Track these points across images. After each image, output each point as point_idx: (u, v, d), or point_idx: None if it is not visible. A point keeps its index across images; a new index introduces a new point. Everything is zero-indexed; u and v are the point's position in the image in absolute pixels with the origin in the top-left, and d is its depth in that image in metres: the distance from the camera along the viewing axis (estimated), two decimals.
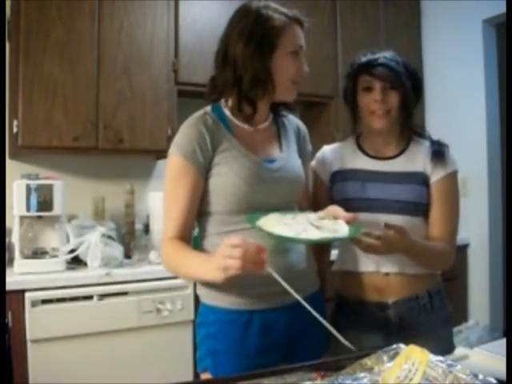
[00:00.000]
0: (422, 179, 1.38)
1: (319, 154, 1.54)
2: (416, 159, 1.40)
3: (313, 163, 1.51)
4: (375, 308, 1.37)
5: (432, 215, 1.38)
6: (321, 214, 1.20)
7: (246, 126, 1.27)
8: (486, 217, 3.02)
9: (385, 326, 1.36)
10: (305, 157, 1.40)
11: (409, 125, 1.42)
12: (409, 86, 1.37)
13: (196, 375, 1.80)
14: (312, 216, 1.19)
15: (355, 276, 1.40)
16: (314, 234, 1.10)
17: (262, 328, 1.22)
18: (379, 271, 1.37)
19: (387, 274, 1.37)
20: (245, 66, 1.19)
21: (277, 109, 1.34)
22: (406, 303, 1.36)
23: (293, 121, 1.40)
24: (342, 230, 1.13)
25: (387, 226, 1.25)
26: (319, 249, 1.51)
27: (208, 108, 1.28)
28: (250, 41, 1.18)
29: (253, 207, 1.21)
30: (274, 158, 1.28)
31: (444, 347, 1.16)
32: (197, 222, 1.32)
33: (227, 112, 1.27)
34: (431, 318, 1.37)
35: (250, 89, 1.20)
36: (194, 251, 1.22)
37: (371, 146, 1.46)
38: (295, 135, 1.38)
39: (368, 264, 1.37)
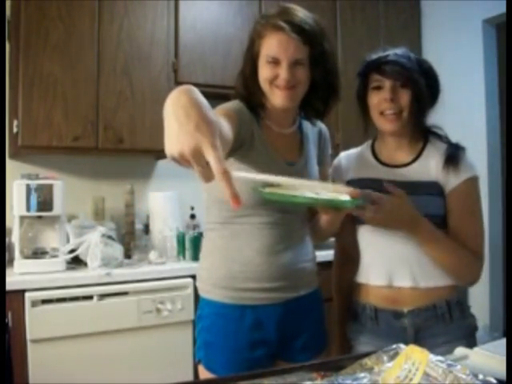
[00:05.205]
0: (436, 189, 1.29)
1: (335, 162, 1.50)
2: (429, 167, 1.31)
3: (330, 171, 1.48)
4: (391, 316, 1.30)
5: (452, 227, 1.28)
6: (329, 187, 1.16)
7: (273, 127, 1.30)
8: (486, 217, 3.01)
9: (401, 335, 1.25)
10: (325, 160, 1.44)
11: (422, 126, 1.34)
12: (422, 84, 1.28)
13: (196, 375, 1.81)
14: (317, 186, 1.12)
15: (367, 287, 1.35)
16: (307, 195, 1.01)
17: (254, 323, 1.24)
18: (391, 285, 1.30)
19: (400, 288, 1.29)
20: (243, 71, 1.29)
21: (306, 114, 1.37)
22: (423, 312, 1.27)
23: (317, 124, 1.42)
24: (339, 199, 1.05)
25: (386, 186, 1.20)
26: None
27: None
28: (246, 51, 1.29)
29: (262, 204, 1.22)
30: (292, 163, 1.31)
31: None
32: (205, 213, 1.34)
33: (260, 111, 1.31)
34: (450, 328, 1.27)
35: (248, 92, 1.28)
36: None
37: (385, 150, 1.39)
38: (317, 139, 1.41)
39: (379, 277, 1.32)
